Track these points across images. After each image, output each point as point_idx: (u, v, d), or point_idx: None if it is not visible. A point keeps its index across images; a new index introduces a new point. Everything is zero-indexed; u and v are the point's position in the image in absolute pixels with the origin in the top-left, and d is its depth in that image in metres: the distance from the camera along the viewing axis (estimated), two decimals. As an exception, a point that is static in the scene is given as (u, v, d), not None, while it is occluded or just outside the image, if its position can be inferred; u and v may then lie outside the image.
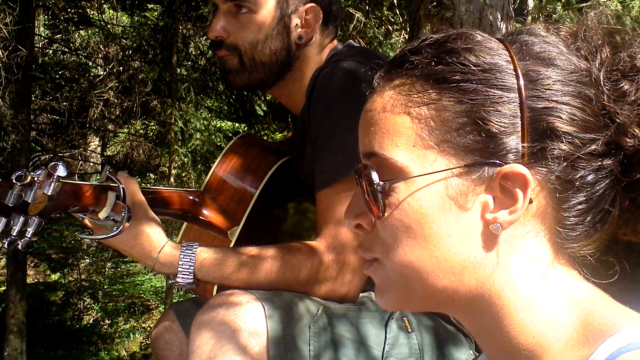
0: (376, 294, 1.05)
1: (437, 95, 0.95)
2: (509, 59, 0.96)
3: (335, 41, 2.26)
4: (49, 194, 1.71)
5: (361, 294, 2.02)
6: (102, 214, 1.84)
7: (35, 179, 1.70)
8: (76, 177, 9.29)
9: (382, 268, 1.01)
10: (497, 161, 0.92)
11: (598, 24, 1.01)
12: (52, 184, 1.71)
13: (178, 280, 1.89)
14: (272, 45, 2.12)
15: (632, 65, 0.96)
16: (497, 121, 0.92)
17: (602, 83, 0.95)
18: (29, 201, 1.70)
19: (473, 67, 0.94)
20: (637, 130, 0.94)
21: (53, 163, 1.71)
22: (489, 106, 0.93)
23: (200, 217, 2.15)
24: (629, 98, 0.94)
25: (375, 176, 0.96)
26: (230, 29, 2.11)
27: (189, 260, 1.88)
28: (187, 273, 1.88)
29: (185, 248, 1.90)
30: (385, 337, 1.90)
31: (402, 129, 0.96)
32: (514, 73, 0.94)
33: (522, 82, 0.93)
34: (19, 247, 1.74)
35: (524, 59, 0.96)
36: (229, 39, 2.12)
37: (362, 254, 1.05)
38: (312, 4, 2.14)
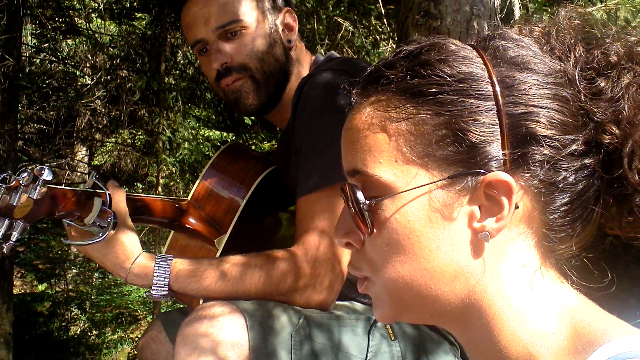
0: (373, 307, 1.06)
1: (415, 109, 0.95)
2: (484, 66, 0.96)
3: (307, 51, 2.29)
4: (35, 197, 1.70)
5: (344, 302, 2.03)
6: (87, 220, 1.83)
7: (21, 182, 1.69)
8: (63, 186, 9.24)
9: (374, 285, 1.01)
10: (480, 170, 0.93)
11: (570, 22, 1.01)
12: (38, 187, 1.70)
13: (153, 292, 1.88)
14: (274, 53, 2.15)
15: (607, 63, 0.97)
16: (476, 131, 0.93)
17: (577, 82, 0.95)
18: (14, 204, 1.69)
19: (448, 79, 0.94)
20: (614, 128, 0.94)
21: (39, 167, 1.69)
22: (467, 116, 0.93)
23: (187, 226, 2.14)
24: (605, 95, 0.95)
25: (360, 195, 0.97)
26: (232, 52, 2.12)
27: (163, 272, 1.87)
28: (162, 285, 1.87)
29: (159, 259, 1.88)
30: (368, 345, 1.90)
31: (382, 145, 0.96)
32: (489, 81, 0.94)
33: (498, 89, 0.94)
34: (4, 250, 1.72)
35: (499, 65, 0.96)
36: (235, 62, 2.12)
37: (353, 272, 1.05)
38: (287, 7, 2.19)
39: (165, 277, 1.87)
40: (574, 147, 0.94)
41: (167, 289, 1.88)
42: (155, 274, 1.87)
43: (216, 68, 2.13)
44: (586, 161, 0.95)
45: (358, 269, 1.03)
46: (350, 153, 1.00)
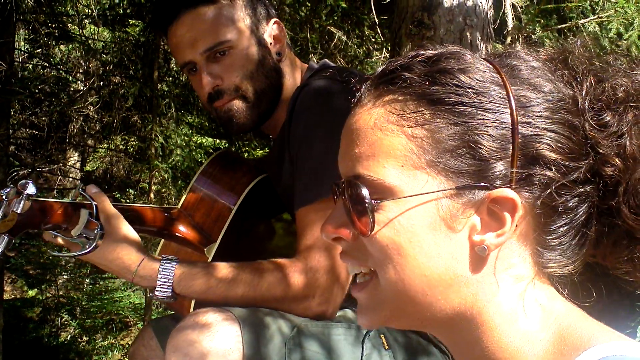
0: (359, 313, 1.06)
1: (431, 116, 0.96)
2: (501, 83, 0.97)
3: (298, 60, 2.28)
4: (18, 212, 1.71)
5: (338, 312, 2.02)
6: (74, 232, 1.83)
7: (4, 197, 1.69)
8: (55, 192, 9.22)
9: (377, 286, 1.01)
10: (488, 185, 0.94)
11: (583, 51, 1.03)
12: (22, 202, 1.71)
13: (156, 293, 1.90)
14: (264, 70, 2.13)
15: (616, 98, 0.98)
16: (488, 145, 0.94)
17: (586, 112, 0.97)
18: None
19: (468, 90, 0.95)
20: (617, 161, 0.96)
21: (23, 181, 1.71)
22: (482, 130, 0.94)
23: (177, 234, 2.14)
24: (610, 129, 0.97)
25: (366, 192, 0.96)
26: (222, 74, 2.10)
27: (167, 274, 1.89)
28: (166, 287, 1.89)
29: (164, 262, 1.90)
30: (362, 354, 1.90)
31: (391, 148, 0.96)
32: (506, 98, 0.95)
33: (514, 107, 0.94)
34: None
35: (515, 84, 0.97)
36: (225, 84, 2.11)
37: (352, 265, 1.05)
38: (275, 19, 2.17)
39: (169, 280, 1.90)
40: (576, 174, 0.95)
41: (170, 290, 1.90)
42: (159, 276, 1.90)
43: (208, 91, 2.12)
44: (586, 188, 0.97)
45: (360, 261, 1.03)
46: (354, 151, 1.00)
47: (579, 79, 1.00)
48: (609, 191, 0.97)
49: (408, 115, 0.96)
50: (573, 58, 1.02)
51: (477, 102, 0.95)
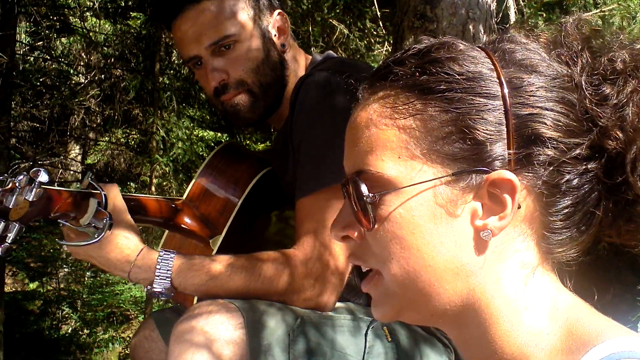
0: (372, 306, 1.06)
1: (422, 105, 0.96)
2: (492, 67, 0.97)
3: (302, 51, 2.28)
4: (30, 199, 1.70)
5: (340, 304, 2.02)
6: (83, 221, 1.83)
7: (17, 184, 1.69)
8: (56, 185, 9.22)
9: (382, 282, 1.01)
10: (484, 168, 0.94)
11: (577, 29, 1.03)
12: (34, 189, 1.70)
13: (154, 287, 1.88)
14: (269, 63, 2.12)
15: (613, 69, 0.98)
16: (482, 129, 0.94)
17: (583, 88, 0.96)
18: (10, 207, 1.69)
19: (457, 76, 0.96)
20: (619, 133, 0.95)
21: (35, 169, 1.70)
22: (474, 114, 0.94)
23: (182, 226, 2.14)
24: (610, 101, 0.96)
25: (364, 188, 0.97)
26: (227, 68, 2.09)
27: (166, 266, 1.88)
28: (164, 279, 1.88)
29: (163, 253, 1.89)
30: (365, 345, 1.91)
31: (387, 141, 0.97)
32: (497, 81, 0.96)
33: (506, 89, 0.95)
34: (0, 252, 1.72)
35: (507, 67, 0.97)
36: (231, 78, 2.10)
37: (356, 263, 1.06)
38: (279, 10, 2.16)
39: (167, 271, 1.88)
40: (578, 150, 0.95)
41: (169, 282, 1.88)
42: (158, 267, 1.88)
43: (214, 86, 2.12)
44: (590, 166, 0.96)
45: (364, 262, 1.03)
46: (354, 149, 1.01)
47: (574, 57, 1.00)
48: (614, 167, 0.97)
49: (400, 108, 0.97)
50: (567, 36, 1.02)
51: (468, 88, 0.95)
